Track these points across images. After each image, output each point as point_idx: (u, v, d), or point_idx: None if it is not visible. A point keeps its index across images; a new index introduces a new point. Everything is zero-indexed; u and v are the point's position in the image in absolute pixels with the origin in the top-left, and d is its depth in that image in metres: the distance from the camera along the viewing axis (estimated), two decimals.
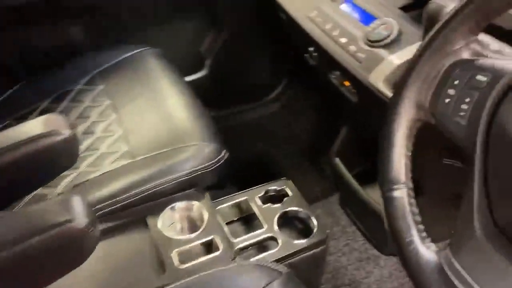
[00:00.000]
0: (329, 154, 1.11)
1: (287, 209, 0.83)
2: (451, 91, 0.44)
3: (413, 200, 0.46)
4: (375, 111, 0.79)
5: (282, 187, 0.90)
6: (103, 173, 0.85)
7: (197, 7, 1.35)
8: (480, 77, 0.42)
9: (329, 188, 1.33)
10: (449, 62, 0.44)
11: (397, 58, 0.70)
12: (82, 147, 0.94)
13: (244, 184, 0.95)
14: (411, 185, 0.47)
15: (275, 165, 1.48)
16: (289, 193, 0.89)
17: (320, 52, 0.87)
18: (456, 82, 0.43)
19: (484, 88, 0.41)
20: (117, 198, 0.79)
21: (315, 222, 0.81)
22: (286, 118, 1.62)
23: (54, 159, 0.62)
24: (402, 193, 0.46)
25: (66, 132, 0.57)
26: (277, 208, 0.83)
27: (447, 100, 0.44)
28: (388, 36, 0.73)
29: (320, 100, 1.43)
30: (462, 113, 0.42)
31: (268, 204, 0.86)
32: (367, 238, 1.16)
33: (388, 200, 0.46)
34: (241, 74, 1.60)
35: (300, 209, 0.85)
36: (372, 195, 1.09)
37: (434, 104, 0.45)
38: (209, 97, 1.55)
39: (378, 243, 1.11)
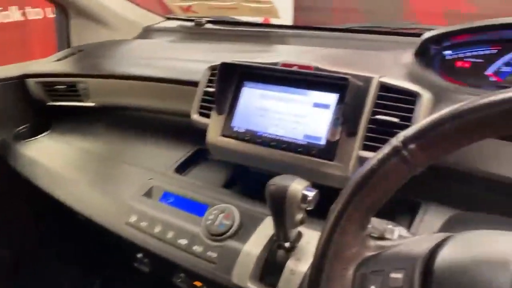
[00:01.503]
0: None
1: None
2: None
3: None
4: None
5: None
6: None
7: None
8: (394, 275, 0.36)
9: None
10: (354, 267, 0.38)
11: (253, 246, 0.62)
12: None
13: None
14: None
15: None
16: None
17: (154, 259, 0.72)
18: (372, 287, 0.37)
19: (404, 286, 0.36)
20: None
21: None
22: None
23: None
24: None
25: None
26: None
27: None
28: (232, 225, 0.65)
29: None
30: None
31: None
32: None
33: None
34: None
35: None
36: None
37: None
38: None
39: None
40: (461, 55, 0.78)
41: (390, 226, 0.44)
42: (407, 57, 0.76)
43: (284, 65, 0.71)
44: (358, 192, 0.37)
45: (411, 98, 0.63)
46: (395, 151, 0.36)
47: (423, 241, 0.39)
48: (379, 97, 0.63)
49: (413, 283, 0.35)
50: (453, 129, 0.34)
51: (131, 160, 0.89)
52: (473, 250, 0.36)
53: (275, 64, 0.72)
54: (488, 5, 2.03)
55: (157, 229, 0.70)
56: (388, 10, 2.31)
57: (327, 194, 0.51)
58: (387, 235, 0.43)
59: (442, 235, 0.39)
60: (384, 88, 0.64)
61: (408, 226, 0.67)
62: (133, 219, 0.73)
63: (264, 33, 1.14)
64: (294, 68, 0.69)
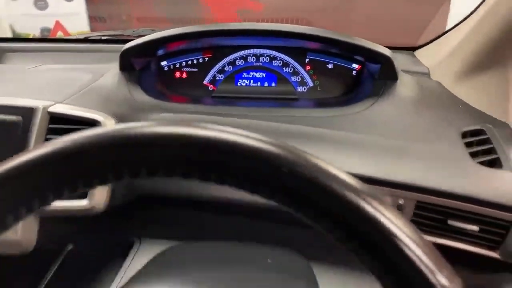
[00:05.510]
0: None
1: None
2: None
3: None
4: None
5: None
6: None
7: None
8: None
9: None
10: None
11: None
12: None
13: None
14: None
15: None
16: None
17: None
18: None
19: None
20: None
21: None
22: None
23: None
24: None
25: None
26: None
27: None
28: None
29: None
30: None
31: None
32: None
33: None
34: None
35: None
36: None
37: None
38: None
39: None
40: (178, 65, 0.74)
41: None
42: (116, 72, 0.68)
43: None
44: None
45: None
46: None
47: None
48: (50, 132, 0.53)
49: None
50: None
51: None
52: None
53: None
54: (272, 3, 2.16)
55: None
56: (188, 15, 2.28)
57: None
58: None
59: None
60: (56, 120, 0.53)
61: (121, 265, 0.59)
62: None
63: None
64: None
